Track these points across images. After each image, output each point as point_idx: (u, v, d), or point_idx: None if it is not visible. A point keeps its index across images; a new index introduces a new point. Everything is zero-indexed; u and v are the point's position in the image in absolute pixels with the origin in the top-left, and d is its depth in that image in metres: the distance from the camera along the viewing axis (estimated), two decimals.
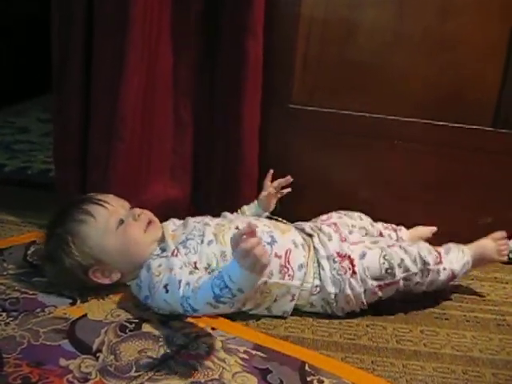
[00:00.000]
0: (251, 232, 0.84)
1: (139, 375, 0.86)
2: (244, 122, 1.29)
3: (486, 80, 1.32)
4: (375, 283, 1.05)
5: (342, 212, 1.26)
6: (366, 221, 1.26)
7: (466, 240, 1.28)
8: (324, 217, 1.24)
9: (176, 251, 1.02)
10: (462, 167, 1.36)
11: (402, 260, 1.06)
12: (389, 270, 1.05)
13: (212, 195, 1.35)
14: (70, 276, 1.04)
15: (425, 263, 1.07)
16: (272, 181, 1.25)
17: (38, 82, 2.09)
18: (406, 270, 1.06)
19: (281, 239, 1.08)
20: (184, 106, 1.32)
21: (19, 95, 2.37)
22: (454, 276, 1.12)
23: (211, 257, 1.03)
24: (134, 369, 0.87)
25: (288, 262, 1.05)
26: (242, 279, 0.87)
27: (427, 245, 1.13)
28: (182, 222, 1.14)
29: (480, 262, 1.18)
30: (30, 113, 2.31)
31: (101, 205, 1.06)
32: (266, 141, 1.35)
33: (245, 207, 1.26)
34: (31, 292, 1.06)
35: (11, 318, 0.97)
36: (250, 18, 1.23)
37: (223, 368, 0.90)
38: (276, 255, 1.05)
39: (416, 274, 1.07)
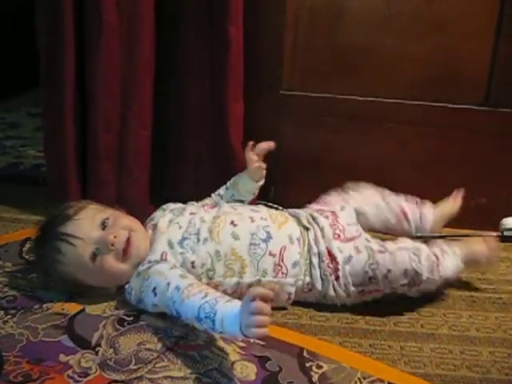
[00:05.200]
0: (266, 296, 0.81)
1: (139, 368, 0.87)
2: (228, 109, 1.27)
3: (476, 59, 1.32)
4: (358, 289, 1.04)
5: (351, 190, 1.21)
6: (374, 201, 1.20)
7: (460, 221, 1.30)
8: (327, 198, 1.20)
9: (165, 255, 1.01)
10: (454, 147, 1.36)
11: (389, 271, 1.01)
12: (372, 279, 1.02)
13: (201, 184, 1.34)
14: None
15: (417, 274, 1.02)
16: None
17: (26, 76, 2.06)
18: (393, 281, 1.02)
19: (277, 235, 1.05)
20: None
21: (8, 91, 2.34)
22: (446, 282, 1.09)
23: (206, 256, 1.01)
24: (134, 362, 0.88)
25: (282, 260, 1.04)
26: (230, 330, 0.85)
27: (424, 251, 1.05)
28: (178, 206, 1.12)
29: (471, 264, 1.13)
30: (20, 108, 2.29)
31: (69, 242, 0.99)
32: (257, 127, 1.34)
33: (237, 179, 1.20)
34: (28, 289, 1.06)
35: (9, 316, 0.98)
36: (230, 4, 1.21)
37: (222, 357, 0.90)
38: (270, 253, 1.03)
39: (404, 284, 1.03)
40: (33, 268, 1.11)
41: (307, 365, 0.89)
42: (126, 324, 0.97)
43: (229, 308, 0.85)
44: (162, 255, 1.01)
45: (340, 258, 1.04)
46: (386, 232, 1.22)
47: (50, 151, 1.35)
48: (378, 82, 1.35)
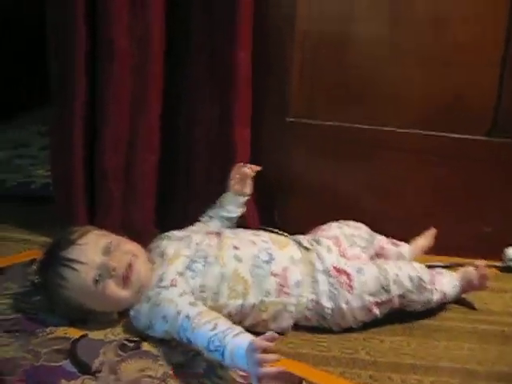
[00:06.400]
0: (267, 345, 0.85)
1: None
2: (235, 135, 1.29)
3: (483, 89, 1.33)
4: (372, 299, 1.06)
5: (343, 222, 1.26)
6: (366, 231, 1.26)
7: (465, 249, 1.31)
8: (324, 227, 1.24)
9: (175, 281, 1.02)
10: (459, 177, 1.37)
11: (397, 276, 1.07)
12: (384, 287, 1.06)
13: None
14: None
15: (420, 280, 1.09)
16: None
17: (35, 93, 2.09)
18: (401, 286, 1.07)
19: (279, 256, 1.08)
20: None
21: (18, 109, 2.37)
22: (445, 298, 1.15)
23: (212, 280, 1.03)
24: None
25: (285, 279, 1.06)
26: (241, 364, 0.87)
27: (421, 265, 1.14)
28: (182, 234, 1.13)
29: (467, 287, 1.19)
30: (29, 126, 2.31)
31: (72, 268, 1.01)
32: (263, 152, 1.36)
33: (222, 197, 1.25)
34: (33, 312, 1.07)
35: (13, 339, 0.99)
36: (238, 28, 1.23)
37: None
38: (272, 273, 1.05)
39: (411, 291, 1.08)
40: (37, 290, 1.12)
41: None
42: (127, 350, 0.98)
43: (238, 343, 0.87)
44: (171, 281, 1.02)
45: (350, 270, 1.07)
46: None
47: (57, 171, 1.38)
48: (384, 110, 1.36)
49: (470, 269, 1.19)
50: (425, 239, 1.31)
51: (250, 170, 1.24)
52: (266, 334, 0.86)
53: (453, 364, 1.01)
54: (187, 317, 0.94)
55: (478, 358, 1.03)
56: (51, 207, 1.45)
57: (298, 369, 0.96)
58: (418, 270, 1.11)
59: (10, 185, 1.72)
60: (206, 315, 0.95)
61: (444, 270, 1.19)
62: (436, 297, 1.12)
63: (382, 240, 1.28)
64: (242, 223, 1.27)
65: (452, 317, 1.16)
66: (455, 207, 1.38)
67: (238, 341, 0.88)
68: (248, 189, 1.25)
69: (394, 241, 1.30)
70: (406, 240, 1.31)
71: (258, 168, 1.25)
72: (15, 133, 2.26)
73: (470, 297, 1.22)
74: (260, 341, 0.85)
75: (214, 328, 0.91)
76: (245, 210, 1.27)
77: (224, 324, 0.93)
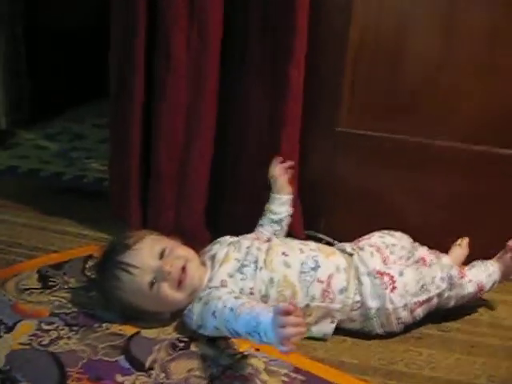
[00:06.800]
0: (289, 310, 0.87)
1: None
2: (283, 150, 1.33)
3: None
4: (414, 299, 1.11)
5: (385, 232, 1.29)
6: (407, 241, 1.29)
7: None
8: (366, 236, 1.28)
9: (225, 282, 1.08)
10: (508, 194, 1.36)
11: (434, 277, 1.14)
12: (424, 287, 1.12)
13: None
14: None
15: (450, 277, 1.14)
16: None
17: (92, 86, 2.14)
18: (438, 286, 1.13)
19: (324, 264, 1.13)
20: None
21: (74, 100, 2.45)
22: (481, 287, 1.18)
23: (261, 283, 1.09)
24: None
25: (330, 286, 1.11)
26: (271, 338, 0.90)
27: (450, 262, 1.20)
28: (234, 240, 1.18)
29: (508, 270, 1.23)
30: (86, 118, 2.40)
31: (128, 271, 1.07)
32: (312, 161, 1.40)
33: (268, 203, 1.29)
34: (89, 307, 1.14)
35: (73, 333, 1.06)
36: (293, 46, 1.26)
37: None
38: (318, 280, 1.10)
39: (445, 289, 1.14)
40: (94, 286, 1.19)
41: None
42: (177, 349, 1.04)
43: (269, 317, 0.90)
44: (221, 282, 1.08)
45: (393, 271, 1.13)
46: None
47: (115, 170, 1.44)
48: (434, 122, 1.36)
49: (507, 254, 1.23)
50: (461, 249, 1.34)
51: (284, 167, 1.28)
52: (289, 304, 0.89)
53: (489, 382, 1.03)
54: (231, 308, 0.99)
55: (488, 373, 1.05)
56: (105, 203, 1.53)
57: (337, 377, 1.01)
58: (447, 267, 1.16)
59: (66, 178, 1.80)
60: (247, 304, 0.99)
61: (477, 262, 1.23)
62: (470, 289, 1.16)
63: (423, 251, 1.29)
64: (288, 233, 1.31)
65: (491, 333, 1.17)
66: (502, 226, 1.37)
67: (269, 315, 0.90)
68: (287, 187, 1.29)
69: (436, 252, 1.31)
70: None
71: (292, 163, 1.29)
72: (71, 125, 2.33)
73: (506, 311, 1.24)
74: (284, 304, 0.89)
75: (251, 311, 0.95)
76: (291, 210, 1.30)
77: (260, 306, 0.97)
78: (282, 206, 1.29)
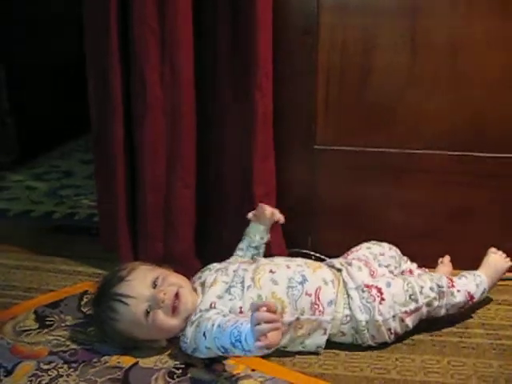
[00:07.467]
0: (268, 307, 0.92)
1: None
2: (254, 169, 1.36)
3: (502, 112, 1.37)
4: (402, 309, 1.14)
5: (373, 242, 1.33)
6: (396, 252, 1.33)
7: None
8: (354, 248, 1.32)
9: (214, 304, 1.11)
10: (487, 195, 1.41)
11: (422, 287, 1.16)
12: (412, 296, 1.15)
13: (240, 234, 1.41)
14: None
15: (439, 286, 1.17)
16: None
17: (77, 121, 2.14)
18: (427, 296, 1.16)
19: (311, 277, 1.16)
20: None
21: (62, 137, 2.47)
22: (471, 296, 1.21)
23: (249, 301, 1.11)
24: None
25: (318, 299, 1.14)
26: (254, 348, 0.94)
27: (439, 274, 1.25)
28: (222, 266, 1.22)
29: (495, 275, 1.27)
30: (73, 154, 2.43)
31: (123, 302, 1.10)
32: (292, 180, 1.44)
33: (248, 228, 1.33)
34: (87, 342, 1.16)
35: (72, 370, 1.08)
36: (258, 74, 1.30)
37: None
38: (306, 293, 1.14)
39: (435, 298, 1.17)
40: (91, 322, 1.21)
41: None
42: (175, 377, 1.06)
43: (248, 326, 0.95)
44: (210, 305, 1.12)
45: (380, 284, 1.16)
46: None
47: (103, 207, 1.49)
48: (406, 134, 1.41)
49: (488, 257, 1.28)
50: (444, 266, 1.39)
51: (270, 213, 1.31)
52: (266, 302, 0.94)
53: (481, 382, 1.06)
54: (218, 325, 1.02)
55: (506, 376, 1.07)
56: (97, 239, 1.56)
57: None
58: (436, 277, 1.20)
59: (56, 217, 1.83)
60: (232, 319, 1.02)
61: (465, 272, 1.25)
62: (459, 298, 1.19)
63: (412, 265, 1.35)
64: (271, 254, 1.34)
65: (481, 333, 1.20)
66: (481, 225, 1.42)
67: (248, 325, 0.94)
68: (266, 220, 1.32)
69: (424, 269, 1.36)
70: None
71: (281, 218, 1.32)
72: (58, 163, 2.37)
73: (499, 312, 1.27)
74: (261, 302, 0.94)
75: (235, 323, 0.99)
76: (268, 237, 1.34)
77: (245, 318, 1.00)
78: (260, 233, 1.33)
